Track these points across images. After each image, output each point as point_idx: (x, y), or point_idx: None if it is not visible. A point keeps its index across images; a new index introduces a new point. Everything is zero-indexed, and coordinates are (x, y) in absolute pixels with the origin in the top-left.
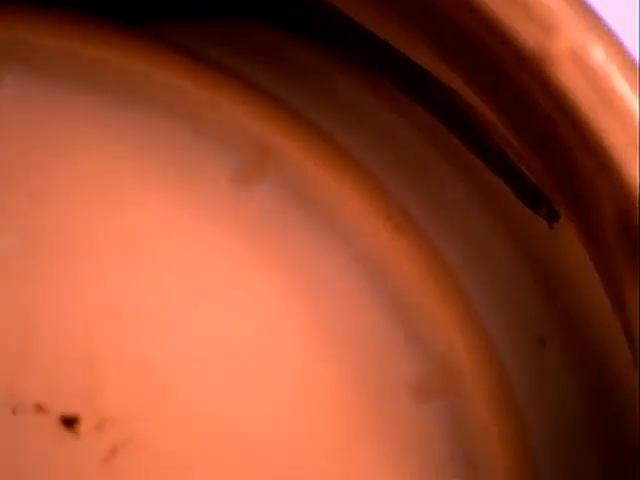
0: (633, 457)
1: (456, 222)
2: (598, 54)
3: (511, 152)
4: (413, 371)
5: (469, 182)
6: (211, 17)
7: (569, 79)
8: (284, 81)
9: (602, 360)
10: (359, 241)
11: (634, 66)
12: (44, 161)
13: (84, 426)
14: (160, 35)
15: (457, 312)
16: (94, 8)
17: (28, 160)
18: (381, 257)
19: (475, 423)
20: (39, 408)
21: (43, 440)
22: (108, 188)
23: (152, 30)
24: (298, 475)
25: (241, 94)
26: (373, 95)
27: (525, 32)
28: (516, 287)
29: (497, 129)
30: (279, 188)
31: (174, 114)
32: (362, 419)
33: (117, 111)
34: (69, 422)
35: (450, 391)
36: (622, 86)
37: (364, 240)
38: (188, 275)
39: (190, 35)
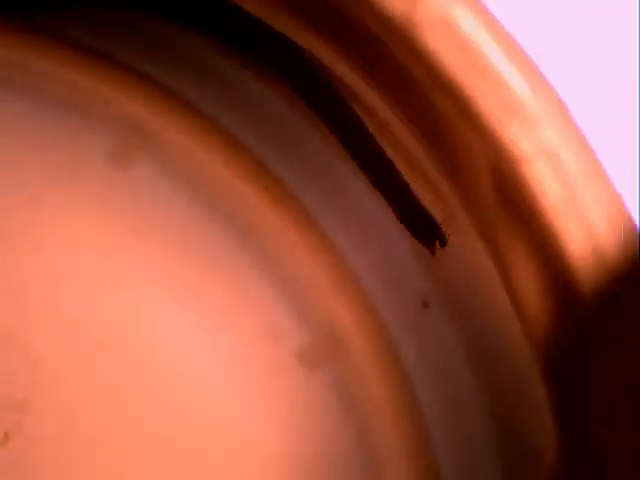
0: (525, 414)
1: (332, 190)
2: (466, 20)
3: (392, 152)
4: (299, 340)
5: (349, 157)
6: (84, 4)
7: (438, 46)
8: (159, 63)
9: (486, 317)
10: (238, 214)
11: (501, 30)
12: None
13: None
14: (35, 23)
15: (339, 279)
16: None
17: None
18: (261, 228)
19: (364, 388)
20: None
21: None
22: None
23: (25, 18)
24: (190, 449)
25: (115, 77)
26: (250, 75)
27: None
28: (395, 250)
29: (374, 113)
30: (155, 166)
31: (47, 99)
32: (251, 389)
33: None
34: None
35: (337, 358)
36: (491, 50)
37: (243, 212)
38: (71, 257)
39: (65, 22)
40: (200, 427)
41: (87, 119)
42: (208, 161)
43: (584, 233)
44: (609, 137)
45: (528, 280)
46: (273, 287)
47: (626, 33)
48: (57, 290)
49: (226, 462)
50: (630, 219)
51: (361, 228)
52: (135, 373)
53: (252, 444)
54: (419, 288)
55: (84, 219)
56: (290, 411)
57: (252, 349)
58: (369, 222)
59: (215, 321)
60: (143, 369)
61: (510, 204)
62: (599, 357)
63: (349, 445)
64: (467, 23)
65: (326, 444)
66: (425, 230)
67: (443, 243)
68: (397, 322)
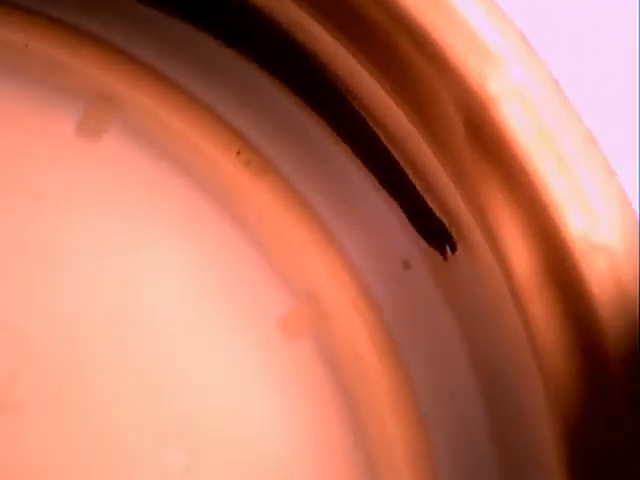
0: (508, 367)
1: (305, 150)
2: None
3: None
4: (282, 308)
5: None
6: None
7: None
8: (128, 32)
9: (468, 275)
10: (213, 179)
11: None
12: None
13: None
14: None
15: (318, 244)
16: None
17: None
18: (236, 193)
19: (350, 355)
20: None
21: None
22: None
23: None
24: (171, 416)
25: (79, 46)
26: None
27: None
28: (374, 210)
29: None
30: (126, 136)
31: (14, 71)
32: (234, 358)
33: None
34: None
35: (321, 325)
36: None
37: (217, 178)
38: (42, 229)
39: None
40: (182, 406)
41: (55, 90)
42: (182, 129)
43: (561, 168)
44: (608, 135)
45: (512, 227)
46: (252, 252)
47: (627, 32)
48: (41, 270)
49: (214, 440)
50: (602, 153)
51: (338, 189)
52: (120, 352)
53: (240, 415)
54: (398, 246)
55: (62, 193)
56: (275, 381)
57: (232, 318)
58: (344, 181)
59: (192, 291)
60: (125, 344)
61: (484, 148)
62: None
63: (338, 408)
64: None
65: (315, 412)
66: (434, 232)
67: (453, 248)
68: (379, 283)
